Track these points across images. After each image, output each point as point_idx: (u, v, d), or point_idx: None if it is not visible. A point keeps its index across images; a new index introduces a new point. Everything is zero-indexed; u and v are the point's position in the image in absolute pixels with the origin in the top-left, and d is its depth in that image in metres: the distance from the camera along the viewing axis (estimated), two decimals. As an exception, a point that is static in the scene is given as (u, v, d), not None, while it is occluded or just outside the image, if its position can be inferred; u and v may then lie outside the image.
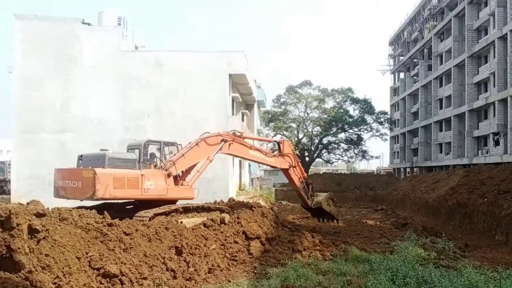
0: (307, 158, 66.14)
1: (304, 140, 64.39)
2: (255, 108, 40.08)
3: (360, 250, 14.15)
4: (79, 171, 13.38)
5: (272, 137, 64.41)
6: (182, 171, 15.10)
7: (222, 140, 15.87)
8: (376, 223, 24.94)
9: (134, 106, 26.12)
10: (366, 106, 62.70)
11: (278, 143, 18.75)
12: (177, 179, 14.92)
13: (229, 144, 16.10)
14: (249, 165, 42.42)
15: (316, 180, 56.14)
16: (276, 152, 18.79)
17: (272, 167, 18.96)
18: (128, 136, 23.39)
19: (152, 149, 15.39)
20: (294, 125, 62.36)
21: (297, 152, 65.44)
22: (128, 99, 26.13)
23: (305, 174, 19.44)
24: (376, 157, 70.90)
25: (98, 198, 12.94)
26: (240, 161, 35.18)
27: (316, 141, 63.89)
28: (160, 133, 23.54)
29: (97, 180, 12.76)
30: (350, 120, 61.34)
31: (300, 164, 19.23)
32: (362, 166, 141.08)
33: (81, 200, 13.42)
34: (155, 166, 14.74)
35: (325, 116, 61.38)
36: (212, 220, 13.69)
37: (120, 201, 14.40)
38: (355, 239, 17.44)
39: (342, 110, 62.41)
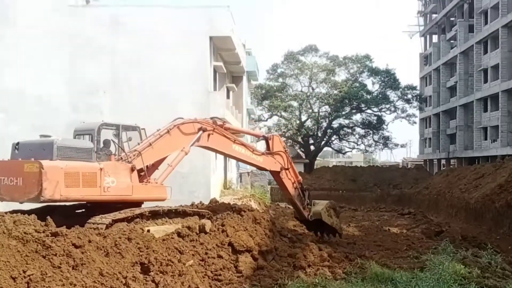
0: (312, 147, 66.44)
1: (309, 123, 64.66)
2: (244, 82, 40.01)
3: (381, 266, 14.23)
4: (18, 164, 13.05)
5: (267, 119, 64.77)
6: (147, 166, 15.04)
7: (200, 129, 15.85)
8: (402, 231, 25.16)
9: (85, 78, 25.92)
10: (389, 79, 62.96)
11: (266, 139, 18.73)
12: (144, 175, 14.87)
13: (208, 135, 16.10)
14: (237, 156, 42.33)
15: (324, 176, 56.77)
16: (266, 152, 18.76)
17: (260, 168, 19.04)
18: (78, 118, 23.19)
19: (106, 135, 15.28)
20: (295, 104, 62.55)
21: (299, 139, 66.09)
22: (77, 69, 25.91)
23: (300, 178, 19.55)
24: (402, 146, 70.60)
25: (46, 200, 12.74)
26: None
27: (324, 124, 64.14)
28: (119, 114, 23.37)
29: (44, 176, 12.49)
30: (368, 97, 61.61)
31: (293, 165, 19.34)
32: (383, 157, 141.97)
33: (21, 203, 13.25)
34: (118, 158, 14.65)
35: (335, 92, 61.58)
36: (188, 228, 13.66)
37: (67, 203, 14.32)
38: (375, 252, 17.56)
39: (357, 84, 62.64)
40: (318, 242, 17.77)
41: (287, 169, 18.72)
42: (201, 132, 15.84)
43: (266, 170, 18.89)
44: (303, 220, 20.12)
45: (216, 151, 18.15)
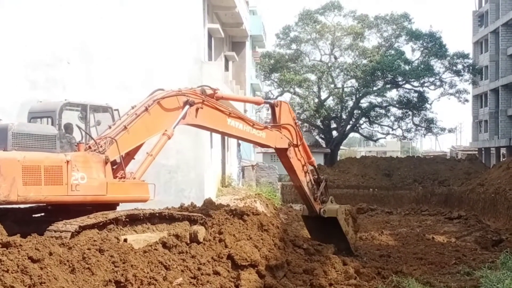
0: (334, 133, 66.50)
1: (330, 102, 64.73)
2: (247, 49, 39.93)
3: (423, 285, 14.25)
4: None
5: (276, 97, 64.62)
6: (122, 156, 14.97)
7: (185, 103, 15.73)
8: (450, 240, 25.16)
9: (43, 46, 25.86)
10: (433, 45, 62.81)
11: (272, 106, 18.87)
12: (118, 168, 14.84)
13: (197, 110, 16.00)
14: (238, 145, 42.48)
15: (350, 170, 56.75)
16: (270, 124, 18.83)
17: (262, 145, 19.17)
18: (34, 96, 23.14)
19: (70, 117, 15.22)
20: (313, 77, 62.60)
21: (318, 123, 66.00)
22: (34, 34, 25.85)
23: (313, 159, 19.83)
24: (450, 131, 70.24)
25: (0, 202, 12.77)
26: (224, 139, 35.16)
27: (350, 103, 64.15)
28: (87, 92, 23.37)
29: (-4, 172, 12.55)
30: (407, 68, 61.44)
31: (305, 143, 19.49)
32: (426, 145, 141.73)
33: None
34: (86, 147, 14.60)
35: (364, 61, 61.49)
36: (176, 236, 13.68)
37: (22, 205, 14.33)
38: (415, 267, 17.61)
39: (392, 52, 62.47)
40: (343, 254, 17.78)
41: (297, 145, 18.84)
42: (187, 107, 15.68)
43: (269, 147, 19.01)
44: (309, 218, 20.27)
45: (207, 129, 18.09)
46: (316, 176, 20.06)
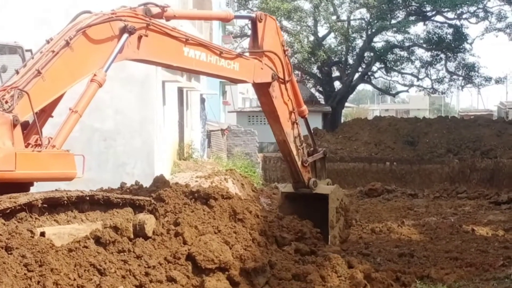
0: (337, 84, 66.47)
1: (331, 41, 64.57)
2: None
3: (459, 294, 14.38)
4: None
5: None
6: (36, 114, 14.86)
7: (123, 30, 15.54)
8: (497, 232, 25.34)
9: None
10: (476, -40, 62.66)
11: (253, 22, 18.74)
12: (30, 132, 14.76)
13: (139, 38, 15.80)
14: (203, 101, 42.40)
15: (359, 136, 56.86)
16: (245, 50, 18.84)
17: (236, 81, 19.23)
18: None
19: None
20: (307, 5, 62.54)
21: (314, 70, 65.73)
22: None
23: (305, 107, 20.06)
24: (498, 81, 69.78)
25: None
26: (182, 93, 35.10)
27: (359, 43, 64.12)
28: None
29: None
30: (437, -8, 61.45)
31: (295, 81, 19.59)
32: (464, 102, 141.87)
33: None
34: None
35: (378, -17, 61.33)
36: (115, 228, 13.67)
37: None
38: (448, 270, 17.73)
39: (420, -31, 62.34)
40: (347, 252, 17.87)
41: (284, 81, 18.88)
42: (125, 36, 15.42)
43: (244, 82, 18.98)
44: (291, 198, 20.33)
45: (156, 64, 17.97)
46: (309, 148, 20.14)
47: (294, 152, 19.46)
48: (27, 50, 15.78)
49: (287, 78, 18.88)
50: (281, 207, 21.02)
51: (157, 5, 16.18)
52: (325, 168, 20.81)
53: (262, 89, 18.69)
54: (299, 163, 19.57)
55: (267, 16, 18.87)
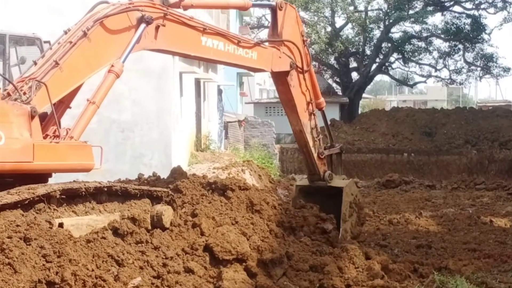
0: (354, 75, 66.43)
1: (349, 31, 64.48)
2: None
3: (478, 286, 14.30)
4: None
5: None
6: (54, 104, 14.84)
7: (140, 20, 15.47)
8: (516, 224, 25.25)
9: None
10: None
11: (273, 10, 18.74)
12: (48, 123, 14.75)
13: (157, 28, 15.74)
14: (220, 93, 42.36)
15: (376, 127, 56.75)
16: (263, 39, 18.87)
17: (254, 70, 19.19)
18: None
19: None
20: (325, -3, 62.21)
21: (332, 61, 65.66)
22: None
23: (322, 99, 19.86)
24: (516, 73, 69.77)
25: None
26: (199, 84, 35.06)
27: (377, 33, 63.96)
28: (5, 17, 23.26)
29: None
30: (457, -17, 61.25)
31: (314, 74, 19.48)
32: (483, 92, 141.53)
33: None
34: (4, 94, 14.52)
35: (398, -27, 61.15)
36: (133, 220, 13.65)
37: None
38: (466, 261, 17.66)
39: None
40: (365, 244, 17.80)
41: (302, 71, 18.85)
42: (143, 25, 15.36)
43: (262, 71, 18.87)
44: (306, 191, 20.23)
45: (174, 53, 17.91)
46: (326, 142, 20.08)
47: (311, 143, 19.35)
48: (45, 42, 15.76)
49: (305, 68, 18.75)
50: (294, 200, 20.95)
51: None
52: (342, 164, 20.70)
53: (280, 78, 18.58)
54: (315, 155, 19.46)
55: (288, 4, 18.79)
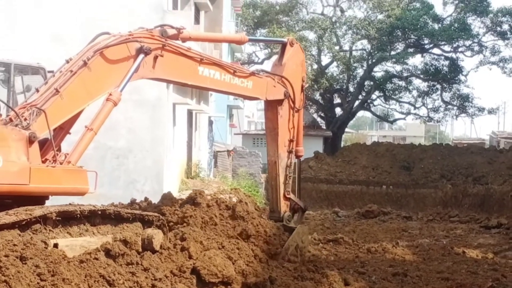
0: (338, 110, 66.53)
1: (334, 69, 64.73)
2: (225, -4, 39.77)
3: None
4: None
5: (262, 61, 64.61)
6: (54, 130, 14.88)
7: (139, 51, 15.52)
8: (487, 255, 25.29)
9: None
10: (470, -3, 62.91)
11: (283, 44, 19.21)
12: (48, 149, 14.76)
13: (155, 58, 15.78)
14: (211, 123, 42.39)
15: (358, 160, 56.80)
16: (259, 69, 19.09)
17: (250, 98, 19.43)
18: None
19: None
20: (311, 36, 62.66)
21: (317, 96, 65.85)
22: None
23: (302, 148, 19.89)
24: (491, 111, 69.92)
25: None
26: (191, 115, 35.11)
27: (360, 72, 64.21)
28: (11, 47, 23.26)
29: None
30: (436, 27, 61.57)
31: (302, 122, 19.69)
32: (459, 130, 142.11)
33: None
34: (5, 120, 14.54)
35: (380, 16, 61.59)
36: (124, 242, 13.66)
37: None
38: (440, 290, 17.68)
39: (418, 5, 62.53)
40: (344, 270, 17.84)
41: (293, 108, 18.96)
42: (141, 56, 15.41)
43: (257, 99, 19.16)
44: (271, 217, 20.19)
45: (171, 82, 18.06)
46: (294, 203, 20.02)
47: (281, 179, 19.29)
48: (49, 71, 15.79)
49: (297, 107, 18.98)
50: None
51: (173, 27, 16.22)
52: (302, 217, 20.57)
53: (271, 104, 18.75)
54: (281, 192, 19.35)
55: (299, 45, 19.44)
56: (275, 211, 19.54)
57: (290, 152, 19.29)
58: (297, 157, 19.81)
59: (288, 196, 19.53)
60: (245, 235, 16.36)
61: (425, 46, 63.03)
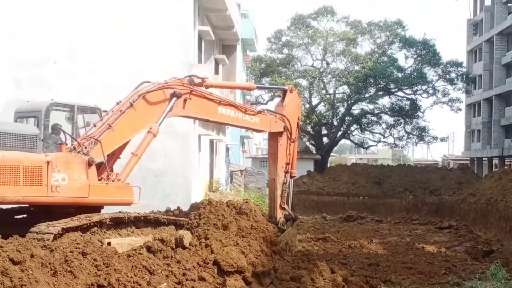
0: (325, 139, 66.49)
1: (321, 108, 64.73)
2: (237, 52, 39.96)
3: (412, 294, 14.24)
4: None
5: (266, 102, 64.67)
6: (108, 155, 14.99)
7: (172, 95, 15.75)
8: (440, 250, 25.16)
9: (30, 44, 25.76)
10: (427, 53, 62.99)
11: (284, 91, 19.66)
12: (103, 170, 14.84)
13: (185, 100, 16.06)
14: (227, 150, 42.38)
15: (340, 177, 56.65)
16: (264, 109, 19.61)
17: (257, 131, 19.96)
18: (19, 96, 23.06)
19: (57, 117, 15.22)
20: (304, 83, 62.61)
21: (309, 128, 65.97)
22: (20, 32, 25.75)
23: (295, 171, 20.07)
24: (442, 139, 69.92)
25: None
26: (212, 143, 35.12)
27: (342, 110, 64.12)
28: (73, 92, 23.30)
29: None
30: (400, 75, 61.67)
31: (296, 151, 19.92)
32: (418, 154, 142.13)
33: None
34: (70, 148, 14.61)
35: (356, 68, 61.61)
36: (161, 241, 13.66)
37: (3, 206, 14.27)
38: (404, 276, 17.62)
39: (385, 59, 62.62)
40: (331, 262, 17.79)
41: (292, 139, 19.29)
42: (174, 99, 15.76)
43: (263, 131, 19.81)
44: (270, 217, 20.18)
45: (199, 119, 18.54)
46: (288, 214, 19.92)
47: (279, 192, 19.57)
48: (104, 111, 15.91)
49: (293, 138, 19.30)
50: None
51: (198, 77, 16.82)
52: (296, 217, 20.77)
53: (274, 135, 19.16)
54: (278, 202, 19.64)
55: (297, 92, 19.93)
56: (272, 217, 19.70)
57: (286, 172, 19.62)
58: (291, 177, 20.02)
59: (283, 206, 19.79)
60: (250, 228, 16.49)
61: (392, 90, 63.07)
